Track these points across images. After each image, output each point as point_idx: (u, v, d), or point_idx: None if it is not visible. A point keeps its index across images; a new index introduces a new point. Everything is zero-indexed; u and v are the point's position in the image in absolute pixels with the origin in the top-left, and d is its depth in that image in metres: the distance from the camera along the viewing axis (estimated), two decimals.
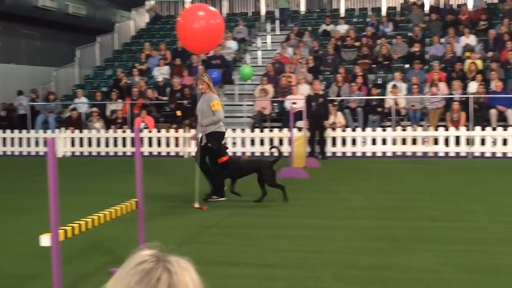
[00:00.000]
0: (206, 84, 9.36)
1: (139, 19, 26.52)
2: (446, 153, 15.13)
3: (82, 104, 18.85)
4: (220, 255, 6.30)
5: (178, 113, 17.20)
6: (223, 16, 24.96)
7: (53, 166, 4.13)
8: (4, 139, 17.08)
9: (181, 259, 1.40)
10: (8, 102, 21.64)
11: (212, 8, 9.09)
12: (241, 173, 9.41)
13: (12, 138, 17.10)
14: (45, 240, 4.29)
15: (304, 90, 17.32)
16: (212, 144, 9.28)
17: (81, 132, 16.88)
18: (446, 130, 15.25)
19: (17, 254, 6.52)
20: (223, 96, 19.40)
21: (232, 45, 21.48)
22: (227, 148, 9.64)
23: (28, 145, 17.06)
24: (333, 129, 15.75)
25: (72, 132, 16.85)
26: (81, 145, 16.73)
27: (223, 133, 9.66)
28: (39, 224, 7.70)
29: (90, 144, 16.72)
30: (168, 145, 16.35)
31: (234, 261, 6.10)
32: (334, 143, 15.68)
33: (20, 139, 17.12)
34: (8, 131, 17.32)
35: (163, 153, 16.26)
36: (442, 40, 19.81)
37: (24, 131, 17.51)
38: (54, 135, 16.70)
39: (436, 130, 15.41)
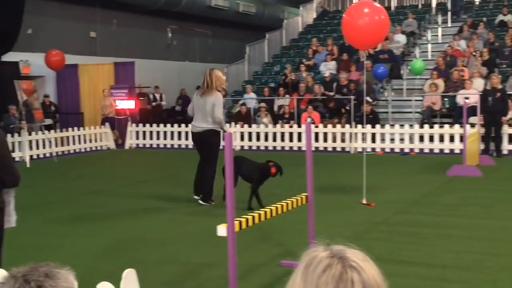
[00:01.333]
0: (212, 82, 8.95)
1: (307, 15, 26.77)
2: None
3: (251, 99, 19.41)
4: (389, 253, 6.17)
5: (343, 110, 17.26)
6: (391, 10, 24.69)
7: (229, 158, 4.29)
8: (179, 133, 18.03)
9: (356, 252, 1.41)
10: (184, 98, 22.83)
11: (377, 5, 9.03)
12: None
13: (187, 132, 17.99)
14: (221, 230, 4.45)
15: (478, 84, 16.49)
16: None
17: (250, 127, 17.38)
18: None
19: (193, 242, 6.85)
20: (391, 91, 19.03)
21: (401, 38, 20.99)
22: None
23: None
24: (511, 125, 14.84)
25: (242, 127, 17.40)
26: (250, 140, 17.22)
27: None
28: (211, 214, 8.07)
29: (258, 139, 17.17)
30: (334, 140, 16.34)
31: (404, 259, 5.96)
32: (511, 140, 14.76)
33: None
34: (183, 125, 18.27)
35: (329, 148, 16.27)
36: None
37: None
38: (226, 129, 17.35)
39: None
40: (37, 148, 15.73)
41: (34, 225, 7.71)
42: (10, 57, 18.74)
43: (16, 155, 14.65)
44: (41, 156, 15.73)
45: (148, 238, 7.11)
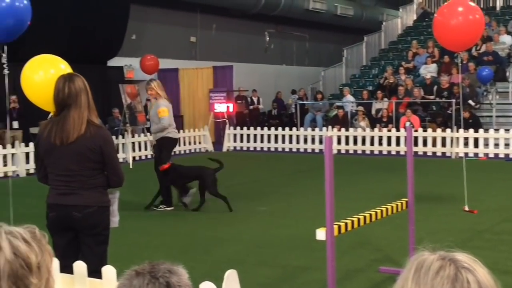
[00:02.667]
0: (155, 90, 9.15)
1: (407, 16, 26.23)
2: None
3: (348, 102, 19.23)
4: (494, 263, 5.90)
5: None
6: (496, 10, 23.77)
7: (329, 162, 4.25)
8: (276, 136, 18.11)
9: (466, 255, 1.40)
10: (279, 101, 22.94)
11: (472, 4, 8.71)
12: (182, 180, 9.13)
13: (283, 136, 18.07)
14: (320, 234, 4.43)
15: None
16: (155, 152, 9.18)
17: (347, 130, 17.20)
18: None
19: (291, 245, 6.85)
20: (495, 94, 18.29)
21: (507, 39, 20.14)
22: (170, 156, 9.27)
23: (297, 142, 17.88)
24: None
25: (339, 130, 17.25)
26: (347, 143, 17.05)
27: (174, 139, 9.38)
28: (309, 217, 8.05)
29: (355, 143, 16.97)
30: (434, 144, 15.90)
31: (510, 270, 5.70)
32: None
33: (290, 136, 18.02)
34: (279, 128, 18.34)
35: (429, 153, 15.84)
36: None
37: (294, 128, 18.39)
38: (321, 133, 17.28)
39: None
40: (140, 150, 16.29)
41: (137, 224, 7.97)
42: (115, 62, 19.54)
43: (120, 156, 15.19)
44: (143, 157, 16.26)
45: (246, 240, 7.18)
